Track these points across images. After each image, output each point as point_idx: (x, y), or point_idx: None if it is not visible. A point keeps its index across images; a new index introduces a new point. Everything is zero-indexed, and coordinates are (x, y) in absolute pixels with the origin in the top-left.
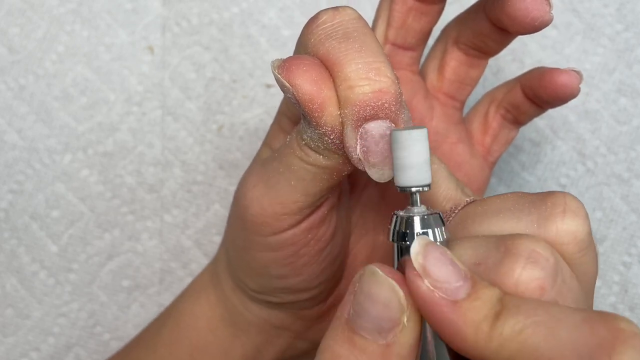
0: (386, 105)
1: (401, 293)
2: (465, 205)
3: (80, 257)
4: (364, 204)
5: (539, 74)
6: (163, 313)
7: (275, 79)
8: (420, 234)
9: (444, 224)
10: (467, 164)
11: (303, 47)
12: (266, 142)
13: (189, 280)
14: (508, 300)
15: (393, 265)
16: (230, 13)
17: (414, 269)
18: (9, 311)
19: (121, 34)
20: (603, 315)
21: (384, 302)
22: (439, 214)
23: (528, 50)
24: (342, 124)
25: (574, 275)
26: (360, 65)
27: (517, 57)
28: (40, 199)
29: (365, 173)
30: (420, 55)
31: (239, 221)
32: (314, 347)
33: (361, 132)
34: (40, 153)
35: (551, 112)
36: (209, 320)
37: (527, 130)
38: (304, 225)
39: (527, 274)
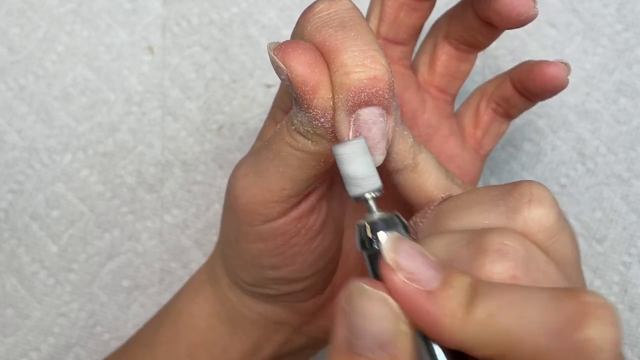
0: (380, 92)
1: (393, 302)
2: (440, 202)
3: (80, 257)
4: None
5: (528, 67)
6: (160, 312)
7: (271, 59)
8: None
9: (404, 223)
10: (458, 156)
11: (299, 35)
12: (260, 137)
13: None
14: (480, 286)
15: (368, 275)
16: (230, 13)
17: (388, 264)
18: (9, 311)
19: (121, 34)
20: (569, 291)
21: (380, 316)
22: (397, 214)
23: (528, 50)
24: (335, 108)
25: (550, 261)
26: (356, 53)
27: (517, 57)
28: (40, 199)
29: None
30: (412, 50)
31: (231, 212)
32: (312, 341)
33: (354, 118)
34: (40, 153)
35: (551, 112)
36: (207, 318)
37: (527, 130)
38: (293, 214)
39: (498, 267)
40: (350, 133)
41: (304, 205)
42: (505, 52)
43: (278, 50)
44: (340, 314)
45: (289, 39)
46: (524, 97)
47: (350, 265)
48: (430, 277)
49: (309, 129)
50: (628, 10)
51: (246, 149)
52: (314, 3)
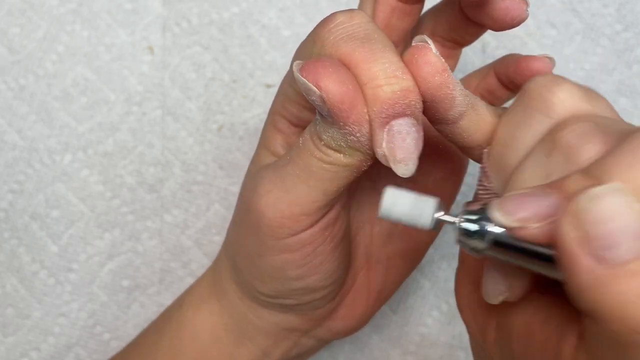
0: (413, 102)
1: (623, 186)
2: (488, 152)
3: (80, 257)
4: (359, 199)
5: (514, 60)
6: (158, 323)
7: (300, 82)
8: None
9: (478, 205)
10: (447, 149)
11: (318, 45)
12: (263, 145)
13: (189, 280)
14: (590, 169)
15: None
16: (230, 13)
17: (514, 227)
18: (9, 311)
19: (121, 34)
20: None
21: (625, 206)
22: (468, 204)
23: (527, 49)
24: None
25: (605, 115)
26: (387, 65)
27: None
28: (40, 199)
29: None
30: (401, 52)
31: (252, 228)
32: (319, 343)
33: (388, 129)
34: (40, 153)
35: None
36: (212, 329)
37: None
38: (320, 224)
39: (589, 148)
40: (384, 144)
41: (331, 214)
42: (505, 52)
43: (306, 71)
44: (575, 246)
45: (289, 39)
46: (509, 89)
47: (356, 267)
48: (550, 203)
49: (342, 143)
50: (628, 10)
51: (246, 149)
52: (332, 15)
